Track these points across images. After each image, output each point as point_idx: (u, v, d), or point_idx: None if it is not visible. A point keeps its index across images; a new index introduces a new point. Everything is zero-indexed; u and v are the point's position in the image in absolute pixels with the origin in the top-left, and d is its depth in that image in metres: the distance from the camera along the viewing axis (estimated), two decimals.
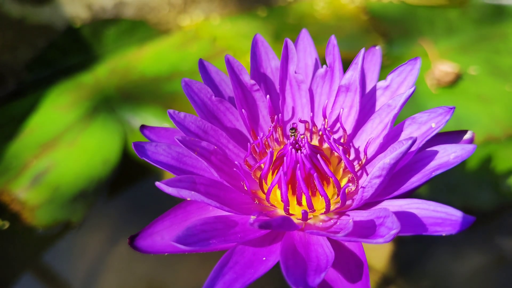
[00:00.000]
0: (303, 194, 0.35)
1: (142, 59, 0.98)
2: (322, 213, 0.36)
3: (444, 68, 0.85)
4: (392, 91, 0.38)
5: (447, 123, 0.33)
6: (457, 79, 0.85)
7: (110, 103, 0.89)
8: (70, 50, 0.99)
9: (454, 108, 0.33)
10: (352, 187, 0.36)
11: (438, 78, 0.84)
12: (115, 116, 0.87)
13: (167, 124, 0.85)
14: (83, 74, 0.95)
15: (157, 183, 0.31)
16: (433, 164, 0.33)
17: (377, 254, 0.71)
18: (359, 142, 0.39)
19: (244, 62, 0.79)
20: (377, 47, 0.42)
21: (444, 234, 0.29)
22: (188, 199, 0.31)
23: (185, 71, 0.95)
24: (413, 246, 0.72)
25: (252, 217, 0.31)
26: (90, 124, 0.85)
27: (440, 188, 0.75)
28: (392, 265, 0.70)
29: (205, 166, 0.34)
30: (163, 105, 0.88)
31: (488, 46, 0.90)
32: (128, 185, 0.81)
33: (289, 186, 0.36)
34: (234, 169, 0.36)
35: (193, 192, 0.30)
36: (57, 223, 0.73)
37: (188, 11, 1.04)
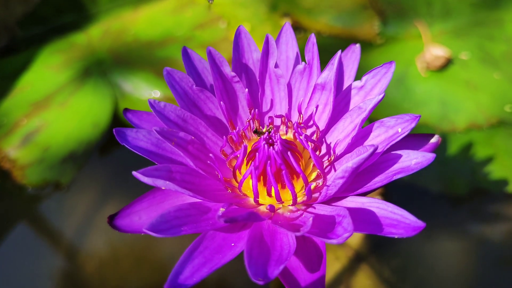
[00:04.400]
0: (272, 186, 0.37)
1: (136, 22, 0.97)
2: (290, 205, 0.38)
3: (436, 52, 0.85)
4: (366, 92, 0.40)
5: (413, 128, 0.35)
6: (448, 63, 0.86)
7: (102, 65, 0.89)
8: (64, 8, 0.97)
9: (420, 116, 0.34)
10: (319, 182, 0.39)
11: (428, 62, 0.85)
12: (106, 79, 0.87)
13: (158, 90, 0.86)
14: (76, 33, 0.94)
15: (134, 173, 0.32)
16: (396, 167, 0.35)
17: None
18: (331, 138, 0.40)
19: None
20: (357, 45, 0.43)
21: (396, 237, 0.31)
22: (163, 188, 0.33)
23: (179, 37, 0.95)
24: None
25: (221, 210, 0.33)
26: (82, 86, 0.86)
27: (419, 172, 0.77)
28: (365, 243, 0.73)
29: (182, 156, 0.36)
30: (155, 71, 0.89)
31: (482, 32, 0.90)
32: (117, 149, 0.83)
33: (261, 178, 0.38)
34: (208, 161, 0.38)
35: (167, 182, 0.32)
36: (47, 183, 0.76)
37: None
